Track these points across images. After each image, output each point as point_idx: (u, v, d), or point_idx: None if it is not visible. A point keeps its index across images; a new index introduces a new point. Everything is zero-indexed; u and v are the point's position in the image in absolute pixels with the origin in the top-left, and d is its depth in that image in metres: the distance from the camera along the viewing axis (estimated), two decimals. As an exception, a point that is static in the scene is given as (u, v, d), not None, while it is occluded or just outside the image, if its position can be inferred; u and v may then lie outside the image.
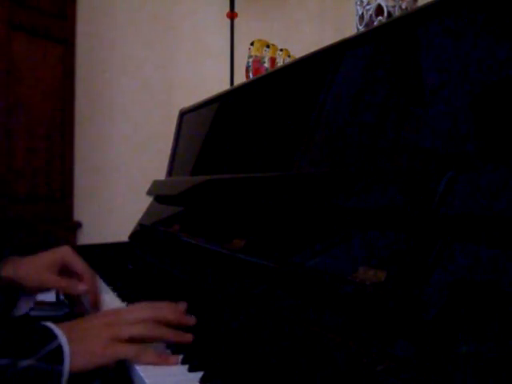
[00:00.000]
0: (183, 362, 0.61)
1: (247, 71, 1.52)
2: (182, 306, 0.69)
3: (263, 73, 1.39)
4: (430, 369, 0.41)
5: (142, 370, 0.60)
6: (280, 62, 1.47)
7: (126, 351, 0.62)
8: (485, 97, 0.52)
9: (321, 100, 0.80)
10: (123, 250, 1.29)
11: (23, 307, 0.84)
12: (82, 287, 0.81)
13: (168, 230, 1.12)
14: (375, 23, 0.93)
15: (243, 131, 1.04)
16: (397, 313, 0.47)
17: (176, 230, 1.08)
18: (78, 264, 0.84)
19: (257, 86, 1.05)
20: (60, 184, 2.42)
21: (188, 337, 0.65)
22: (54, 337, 0.58)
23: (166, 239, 1.13)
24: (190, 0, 2.54)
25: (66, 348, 0.58)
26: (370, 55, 0.72)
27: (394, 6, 0.92)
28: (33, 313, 0.87)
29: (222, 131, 1.17)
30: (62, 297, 0.95)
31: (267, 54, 1.48)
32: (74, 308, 0.88)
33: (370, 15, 0.94)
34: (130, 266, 1.21)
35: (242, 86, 1.12)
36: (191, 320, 0.67)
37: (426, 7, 0.63)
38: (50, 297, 1.10)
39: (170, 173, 1.44)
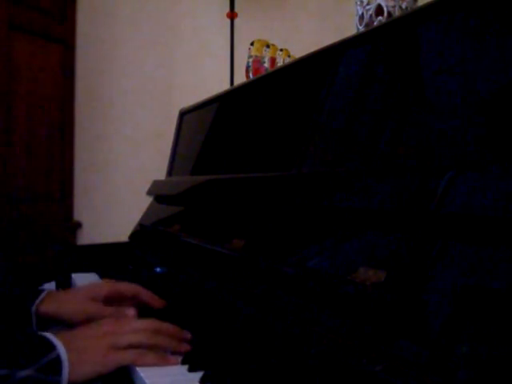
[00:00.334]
0: (183, 362, 0.61)
1: (247, 71, 1.52)
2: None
3: (263, 73, 1.39)
4: (429, 369, 0.41)
5: (142, 371, 0.60)
6: (280, 62, 1.47)
7: (126, 357, 0.62)
8: (485, 97, 0.52)
9: (321, 100, 0.80)
10: (123, 249, 1.28)
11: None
12: (131, 312, 0.78)
13: (168, 230, 1.12)
14: (375, 23, 0.93)
15: (243, 131, 1.04)
16: (397, 313, 0.47)
17: (176, 230, 1.08)
18: (126, 287, 0.83)
19: (257, 86, 1.05)
20: (60, 184, 2.42)
21: (185, 346, 0.66)
22: (53, 347, 0.59)
23: (165, 239, 1.13)
24: (189, 0, 2.54)
25: (65, 358, 0.58)
26: (370, 55, 0.72)
27: (393, 6, 0.92)
28: None
29: (221, 131, 1.17)
30: None
31: (267, 54, 1.48)
32: None
33: (370, 15, 0.94)
34: (130, 266, 1.21)
35: (242, 86, 1.12)
36: (187, 334, 0.67)
37: (425, 7, 0.63)
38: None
39: (170, 173, 1.44)
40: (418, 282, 0.47)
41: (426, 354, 0.42)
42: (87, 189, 2.48)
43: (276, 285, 0.67)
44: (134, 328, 0.65)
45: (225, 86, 2.03)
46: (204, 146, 1.24)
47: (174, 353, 0.64)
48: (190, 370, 0.59)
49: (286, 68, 0.97)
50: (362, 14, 0.96)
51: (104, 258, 1.25)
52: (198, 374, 0.57)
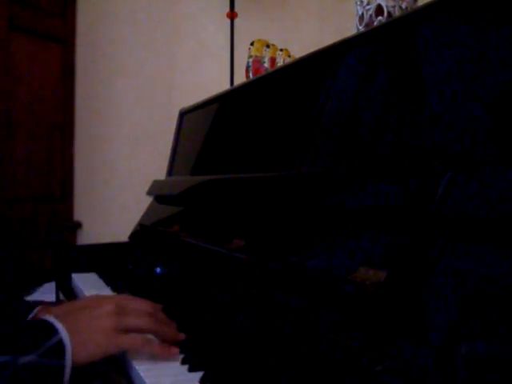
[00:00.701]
0: (183, 362, 0.61)
1: (247, 71, 1.52)
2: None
3: (263, 73, 1.39)
4: (429, 369, 0.41)
5: (141, 370, 0.60)
6: (280, 62, 1.47)
7: (131, 341, 0.61)
8: (485, 97, 0.52)
9: (321, 100, 0.80)
10: (123, 249, 1.29)
11: None
12: None
13: (168, 230, 1.12)
14: (375, 23, 0.93)
15: (243, 131, 1.04)
16: (397, 313, 0.47)
17: (176, 230, 1.08)
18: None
19: (257, 86, 1.05)
20: (60, 184, 2.42)
21: (181, 335, 0.66)
22: (55, 331, 0.58)
23: (166, 239, 1.13)
24: (190, 0, 2.54)
25: (67, 342, 0.57)
26: (370, 55, 0.72)
27: (394, 6, 0.92)
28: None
29: (221, 131, 1.17)
30: (61, 296, 0.95)
31: (267, 54, 1.48)
32: None
33: (370, 15, 0.94)
34: (129, 266, 1.21)
35: (242, 86, 1.12)
36: (181, 336, 0.67)
37: (425, 7, 0.63)
38: (49, 297, 1.10)
39: (170, 173, 1.44)
40: (418, 282, 0.47)
41: (426, 354, 0.42)
42: (87, 189, 2.48)
43: (276, 285, 0.67)
44: (137, 310, 0.65)
45: (225, 86, 2.03)
46: (204, 146, 1.24)
47: (175, 343, 0.65)
48: (190, 370, 0.59)
49: (286, 68, 0.97)
50: (362, 13, 0.96)
51: (104, 258, 1.25)
52: (198, 374, 0.57)
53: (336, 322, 0.53)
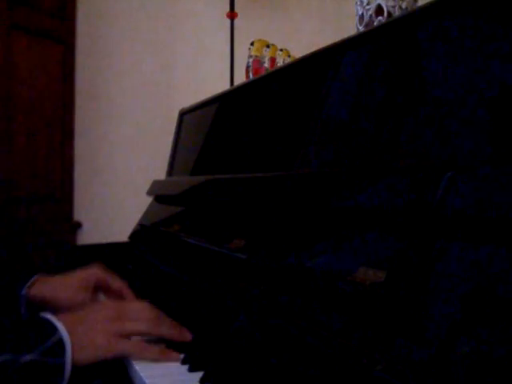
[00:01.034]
0: (183, 362, 0.61)
1: (247, 71, 1.52)
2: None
3: (263, 73, 1.39)
4: (429, 369, 0.41)
5: (141, 370, 0.60)
6: (280, 62, 1.47)
7: (130, 347, 0.62)
8: (485, 97, 0.52)
9: (321, 100, 0.80)
10: (123, 250, 1.29)
11: None
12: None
13: (168, 230, 1.12)
14: (375, 23, 0.93)
15: (243, 131, 1.04)
16: (397, 313, 0.47)
17: (176, 230, 1.08)
18: (114, 281, 0.84)
19: (257, 86, 1.05)
20: (60, 184, 2.42)
21: (188, 336, 0.66)
22: (55, 330, 0.58)
23: (166, 239, 1.13)
24: (190, 0, 2.54)
25: (68, 341, 0.58)
26: (370, 55, 0.72)
27: (394, 6, 0.92)
28: None
29: (221, 131, 1.17)
30: None
31: (267, 54, 1.48)
32: None
33: (370, 15, 0.94)
34: (129, 266, 1.21)
35: (242, 86, 1.12)
36: (188, 336, 0.67)
37: (425, 7, 0.63)
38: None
39: (170, 173, 1.44)
40: (417, 282, 0.47)
41: (426, 354, 0.42)
42: (87, 189, 2.48)
43: (276, 285, 0.67)
44: (138, 315, 0.65)
45: (225, 86, 2.03)
46: (204, 146, 1.24)
47: (176, 343, 0.65)
48: (190, 370, 0.59)
49: (286, 68, 0.97)
50: (362, 13, 0.96)
51: (104, 258, 1.25)
52: (198, 374, 0.57)
53: (336, 322, 0.53)
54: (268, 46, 1.49)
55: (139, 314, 0.65)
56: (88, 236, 2.43)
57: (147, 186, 1.44)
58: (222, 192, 0.99)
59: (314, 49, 0.85)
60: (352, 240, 0.59)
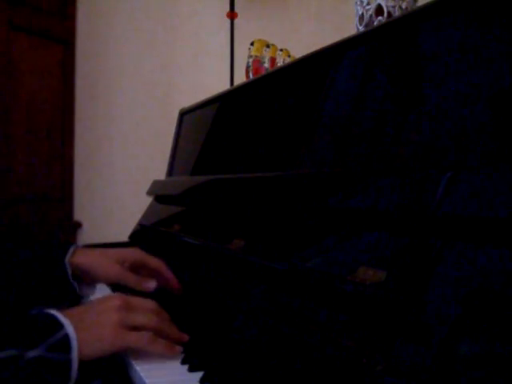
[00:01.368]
0: (183, 362, 0.61)
1: (247, 71, 1.52)
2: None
3: (263, 73, 1.39)
4: (429, 369, 0.41)
5: (141, 370, 0.60)
6: (280, 62, 1.47)
7: (136, 340, 0.61)
8: (485, 97, 0.52)
9: (321, 100, 0.80)
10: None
11: (88, 293, 0.86)
12: (152, 284, 0.81)
13: (168, 230, 1.12)
14: (375, 23, 0.93)
15: (243, 131, 1.04)
16: (397, 313, 0.47)
17: (176, 230, 1.08)
18: (152, 259, 0.86)
19: (257, 85, 1.05)
20: (60, 184, 2.42)
21: (185, 337, 0.67)
22: (61, 326, 0.58)
23: (166, 239, 1.13)
24: (190, 0, 2.54)
25: (73, 337, 0.57)
26: (370, 55, 0.72)
27: (394, 6, 0.92)
28: None
29: (221, 131, 1.17)
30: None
31: (267, 54, 1.48)
32: None
33: (370, 15, 0.94)
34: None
35: (242, 86, 1.12)
36: (185, 337, 0.67)
37: (425, 7, 0.63)
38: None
39: (170, 173, 1.44)
40: (417, 283, 0.47)
41: (426, 354, 0.42)
42: (87, 189, 2.48)
43: (276, 285, 0.67)
44: (143, 308, 0.65)
45: (225, 86, 2.03)
46: (204, 146, 1.24)
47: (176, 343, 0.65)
48: (190, 370, 0.59)
49: (286, 68, 0.97)
50: (362, 13, 0.96)
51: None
52: (198, 374, 0.57)
53: (336, 321, 0.53)
54: (268, 46, 1.49)
55: (145, 309, 0.65)
56: (88, 236, 2.43)
57: (147, 186, 1.44)
58: (222, 192, 0.99)
59: (313, 49, 0.85)
60: (352, 240, 0.59)
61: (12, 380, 0.53)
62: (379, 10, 0.93)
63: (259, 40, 1.52)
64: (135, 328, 0.62)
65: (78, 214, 2.48)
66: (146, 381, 0.57)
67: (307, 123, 0.82)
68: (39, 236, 2.26)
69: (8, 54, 2.15)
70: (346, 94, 0.75)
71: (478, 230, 0.44)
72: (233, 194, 0.94)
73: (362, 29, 0.96)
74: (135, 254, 0.86)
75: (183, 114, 1.46)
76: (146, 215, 1.36)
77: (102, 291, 0.93)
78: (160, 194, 1.36)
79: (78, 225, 2.46)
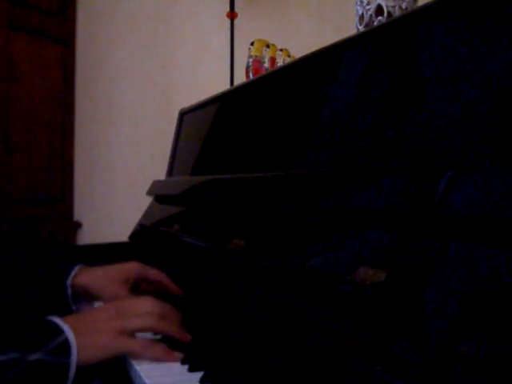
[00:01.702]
0: (183, 362, 0.61)
1: (247, 71, 1.52)
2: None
3: (263, 73, 1.39)
4: (429, 369, 0.41)
5: (141, 370, 0.60)
6: (280, 62, 1.47)
7: (133, 345, 0.62)
8: (485, 97, 0.52)
9: (321, 100, 0.80)
10: (123, 250, 1.29)
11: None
12: None
13: (168, 230, 1.12)
14: (375, 23, 0.93)
15: (243, 131, 1.04)
16: (396, 313, 0.47)
17: (176, 230, 1.08)
18: (152, 272, 0.87)
19: (257, 86, 1.05)
20: (60, 184, 2.42)
21: (188, 336, 0.67)
22: (61, 331, 0.59)
23: (165, 239, 1.13)
24: (190, 0, 2.54)
25: (73, 342, 0.59)
26: (370, 55, 0.72)
27: (394, 6, 0.92)
28: None
29: (221, 131, 1.17)
30: None
31: (267, 54, 1.48)
32: None
33: (370, 15, 0.94)
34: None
35: (242, 86, 1.12)
36: (188, 337, 0.68)
37: (425, 7, 0.63)
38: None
39: (170, 173, 1.44)
40: (417, 282, 0.47)
41: (426, 354, 0.42)
42: (87, 189, 2.48)
43: (276, 285, 0.67)
44: (141, 312, 0.66)
45: (225, 86, 2.03)
46: (204, 146, 1.24)
47: (175, 343, 0.65)
48: (190, 370, 0.59)
49: (286, 68, 0.97)
50: (362, 13, 0.96)
51: (104, 258, 1.25)
52: (198, 374, 0.57)
53: (336, 321, 0.53)
54: (268, 46, 1.49)
55: (142, 310, 0.66)
56: (88, 236, 2.43)
57: (147, 186, 1.44)
58: (222, 192, 0.99)
59: (313, 49, 0.85)
60: (352, 240, 0.59)
61: (13, 382, 0.54)
62: (379, 10, 0.93)
63: (259, 40, 1.52)
64: (133, 333, 0.63)
65: (78, 214, 2.48)
66: (146, 381, 0.57)
67: (307, 123, 0.82)
68: (39, 236, 2.26)
69: (8, 54, 2.15)
70: (346, 94, 0.75)
71: (479, 229, 0.44)
72: (233, 193, 0.94)
73: (362, 29, 0.96)
74: (136, 268, 0.87)
75: (183, 114, 1.46)
76: (145, 215, 1.36)
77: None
78: (160, 194, 1.36)
79: (78, 225, 2.46)
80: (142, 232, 1.31)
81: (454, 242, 0.46)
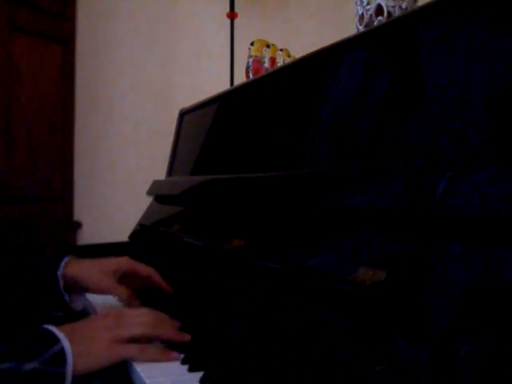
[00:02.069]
0: (183, 362, 0.61)
1: (247, 71, 1.52)
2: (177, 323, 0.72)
3: (263, 73, 1.39)
4: (429, 369, 0.41)
5: (142, 371, 0.60)
6: (280, 62, 1.47)
7: (129, 351, 0.63)
8: (485, 97, 0.52)
9: (321, 100, 0.80)
10: (123, 250, 1.28)
11: (79, 304, 0.87)
12: (137, 303, 0.84)
13: (168, 230, 1.12)
14: (375, 23, 0.93)
15: (243, 131, 1.04)
16: (397, 313, 0.47)
17: (176, 230, 1.08)
18: (142, 267, 0.88)
19: (257, 85, 1.05)
20: (60, 184, 2.42)
21: (187, 336, 0.67)
22: (57, 340, 0.59)
23: (165, 239, 1.13)
24: (190, 0, 2.54)
25: (69, 351, 0.59)
26: (370, 55, 0.72)
27: (394, 6, 0.92)
28: None
29: (221, 131, 1.17)
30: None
31: (267, 54, 1.48)
32: None
33: (370, 15, 0.94)
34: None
35: (242, 86, 1.12)
36: (187, 337, 0.68)
37: (425, 7, 0.63)
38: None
39: (170, 173, 1.44)
40: (418, 282, 0.47)
41: (426, 354, 0.42)
42: (87, 189, 2.48)
43: (276, 285, 0.67)
44: (136, 320, 0.66)
45: (225, 86, 2.03)
46: (204, 146, 1.24)
47: (174, 344, 0.66)
48: (190, 370, 0.59)
49: (286, 68, 0.97)
50: (362, 13, 0.96)
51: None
52: (198, 374, 0.57)
53: (336, 321, 0.53)
54: (268, 46, 1.49)
55: (138, 320, 0.66)
56: (88, 236, 2.43)
57: (147, 186, 1.44)
58: (222, 192, 0.99)
59: (313, 49, 0.85)
60: (352, 240, 0.59)
61: None
62: (379, 10, 0.93)
63: (259, 40, 1.52)
64: (129, 340, 0.64)
65: (78, 214, 2.48)
66: (147, 381, 0.57)
67: (307, 123, 0.82)
68: (39, 236, 2.26)
69: (8, 54, 2.15)
70: (346, 94, 0.75)
71: (478, 229, 0.44)
72: (233, 193, 0.94)
73: (362, 29, 0.96)
74: (127, 263, 0.87)
75: (183, 114, 1.46)
76: (145, 215, 1.36)
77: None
78: (160, 194, 1.36)
79: (78, 225, 2.46)
80: (142, 232, 1.31)
81: (453, 241, 0.46)
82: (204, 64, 2.50)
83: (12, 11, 2.16)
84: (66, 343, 0.59)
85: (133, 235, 1.35)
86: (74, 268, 0.84)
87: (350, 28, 1.05)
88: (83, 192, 2.47)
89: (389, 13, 0.92)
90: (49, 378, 0.57)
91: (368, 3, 0.95)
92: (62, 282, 0.83)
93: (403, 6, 0.91)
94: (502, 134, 0.49)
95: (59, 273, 0.83)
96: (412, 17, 0.66)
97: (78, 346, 0.60)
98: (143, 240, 1.28)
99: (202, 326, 0.73)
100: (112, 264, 0.86)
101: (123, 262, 0.87)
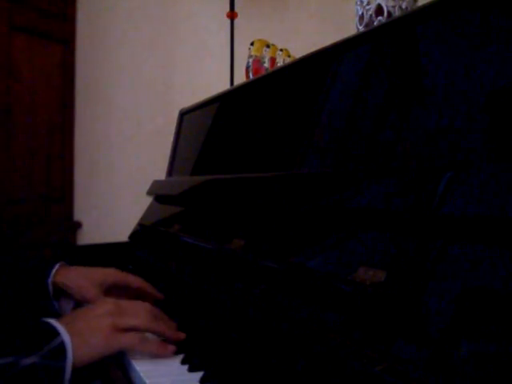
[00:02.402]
0: (183, 362, 0.61)
1: (247, 71, 1.52)
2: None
3: (263, 73, 1.39)
4: (429, 369, 0.41)
5: (142, 370, 0.60)
6: (280, 62, 1.47)
7: (129, 340, 0.63)
8: (485, 97, 0.52)
9: (321, 100, 0.80)
10: (123, 249, 1.28)
11: (68, 310, 0.88)
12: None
13: (168, 230, 1.12)
14: (375, 23, 0.93)
15: (243, 131, 1.04)
16: (396, 313, 0.47)
17: (176, 230, 1.08)
18: (133, 279, 0.88)
19: (257, 86, 1.05)
20: (60, 184, 2.42)
21: (182, 335, 0.68)
22: (57, 333, 0.59)
23: (166, 239, 1.13)
24: (190, 0, 2.54)
25: (69, 344, 0.58)
26: (370, 55, 0.72)
27: (394, 6, 0.92)
28: None
29: (221, 131, 1.17)
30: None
31: (267, 54, 1.48)
32: None
33: (370, 15, 0.94)
34: (130, 266, 1.21)
35: (242, 86, 1.12)
36: (182, 335, 0.69)
37: (426, 7, 0.63)
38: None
39: (170, 173, 1.44)
40: (417, 283, 0.47)
41: (426, 354, 0.42)
42: (87, 189, 2.48)
43: (276, 285, 0.67)
44: (134, 310, 0.66)
45: (225, 86, 2.03)
46: (204, 146, 1.24)
47: (169, 341, 0.66)
48: (190, 369, 0.59)
49: (286, 68, 0.97)
50: (362, 13, 0.96)
51: (104, 258, 1.25)
52: (198, 374, 0.57)
53: (336, 321, 0.53)
54: (268, 46, 1.49)
55: (137, 311, 0.66)
56: (88, 236, 2.43)
57: (147, 186, 1.44)
58: (222, 192, 0.99)
59: (313, 49, 0.85)
60: (352, 240, 0.59)
61: None
62: (379, 10, 0.93)
63: (259, 40, 1.52)
64: (127, 330, 0.63)
65: (78, 214, 2.48)
66: (147, 381, 0.57)
67: (307, 123, 0.82)
68: (39, 236, 2.26)
69: (8, 54, 2.15)
70: (346, 94, 0.75)
71: (478, 229, 0.44)
72: (233, 193, 0.94)
73: (362, 29, 0.96)
74: (116, 275, 0.87)
75: (183, 113, 1.46)
76: (146, 215, 1.36)
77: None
78: (160, 194, 1.36)
79: (78, 225, 2.46)
80: (142, 232, 1.31)
81: (453, 242, 0.46)
82: (204, 64, 2.50)
83: (12, 11, 2.16)
84: (66, 337, 0.59)
85: (133, 235, 1.35)
86: (61, 276, 0.85)
87: (349, 28, 1.05)
88: (83, 192, 2.48)
89: (389, 13, 0.92)
90: (49, 372, 0.56)
91: (368, 3, 0.95)
92: (51, 289, 0.84)
93: (403, 6, 0.91)
94: (502, 134, 0.49)
95: (49, 280, 0.84)
96: (412, 17, 0.66)
97: (77, 338, 0.59)
98: (143, 240, 1.28)
99: (201, 325, 0.73)
100: (98, 275, 0.86)
101: (110, 274, 0.87)
